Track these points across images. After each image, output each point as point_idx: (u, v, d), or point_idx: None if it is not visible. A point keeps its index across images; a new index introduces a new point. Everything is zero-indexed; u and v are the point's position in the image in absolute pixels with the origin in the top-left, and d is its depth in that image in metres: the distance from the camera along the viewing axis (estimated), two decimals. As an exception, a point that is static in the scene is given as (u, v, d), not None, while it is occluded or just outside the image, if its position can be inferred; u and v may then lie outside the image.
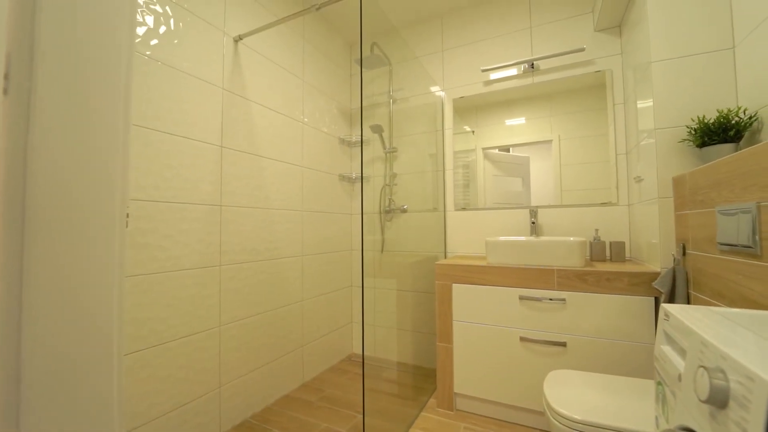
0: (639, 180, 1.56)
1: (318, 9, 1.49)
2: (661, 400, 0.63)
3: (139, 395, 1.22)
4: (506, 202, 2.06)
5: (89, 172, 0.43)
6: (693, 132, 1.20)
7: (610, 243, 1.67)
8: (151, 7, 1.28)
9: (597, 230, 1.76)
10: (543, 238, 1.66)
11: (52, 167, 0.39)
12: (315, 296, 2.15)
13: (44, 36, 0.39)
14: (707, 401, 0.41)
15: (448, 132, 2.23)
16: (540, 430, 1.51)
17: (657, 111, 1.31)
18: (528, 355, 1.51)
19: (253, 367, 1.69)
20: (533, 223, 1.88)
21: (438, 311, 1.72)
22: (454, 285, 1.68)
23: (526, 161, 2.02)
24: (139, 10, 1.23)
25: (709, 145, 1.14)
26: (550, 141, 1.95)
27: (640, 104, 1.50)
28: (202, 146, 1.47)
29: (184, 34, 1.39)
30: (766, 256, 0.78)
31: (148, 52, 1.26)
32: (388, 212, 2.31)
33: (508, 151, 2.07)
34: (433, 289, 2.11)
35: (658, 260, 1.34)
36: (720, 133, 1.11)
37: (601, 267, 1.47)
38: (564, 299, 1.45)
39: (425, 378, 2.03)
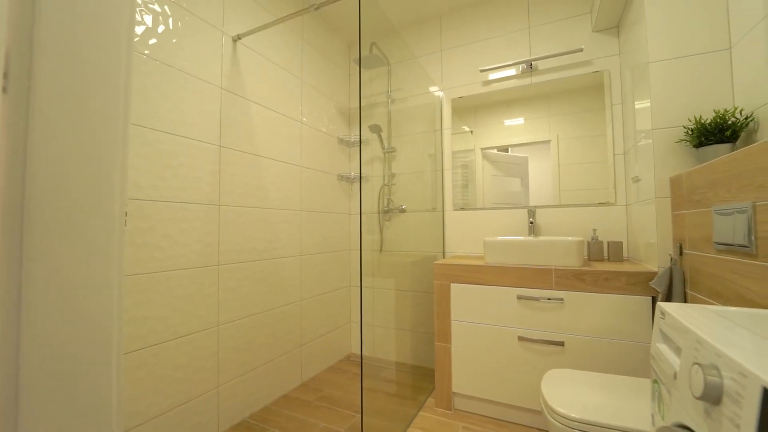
0: (636, 180, 1.57)
1: (317, 9, 1.50)
2: (657, 398, 0.63)
3: (137, 394, 1.22)
4: (505, 202, 2.06)
5: (88, 171, 0.43)
6: (690, 132, 1.20)
7: (608, 243, 1.68)
8: (150, 6, 1.28)
9: (595, 230, 1.76)
10: (541, 238, 1.67)
11: (51, 166, 0.39)
12: (313, 296, 2.15)
13: (43, 35, 0.40)
14: (701, 398, 0.41)
15: (447, 132, 2.23)
16: (538, 429, 1.51)
17: (654, 111, 1.32)
18: (526, 354, 1.52)
19: (252, 366, 1.69)
20: (531, 223, 1.88)
21: (436, 311, 1.73)
22: (452, 285, 1.69)
23: (525, 161, 2.03)
24: (137, 9, 1.23)
25: (706, 145, 1.15)
26: (548, 141, 1.95)
27: (638, 105, 1.51)
28: (201, 146, 1.47)
29: (182, 34, 1.39)
30: (761, 255, 0.79)
31: (146, 52, 1.26)
32: (387, 212, 2.31)
33: (506, 151, 2.08)
34: (431, 288, 2.12)
35: (655, 260, 1.34)
36: (716, 133, 1.11)
37: (598, 266, 1.47)
38: (562, 299, 1.46)
39: (424, 378, 2.04)
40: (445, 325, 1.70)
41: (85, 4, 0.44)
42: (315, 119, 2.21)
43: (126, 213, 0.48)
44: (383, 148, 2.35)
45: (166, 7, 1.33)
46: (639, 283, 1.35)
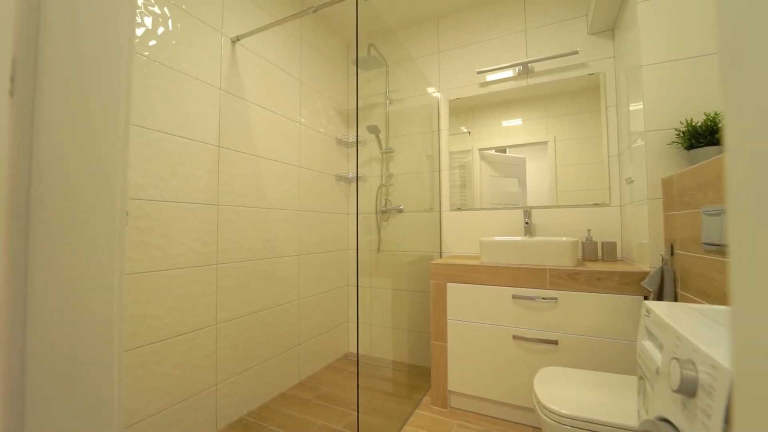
0: (630, 181, 1.59)
1: (315, 11, 1.51)
2: (642, 393, 0.65)
3: (136, 392, 1.23)
4: (503, 202, 2.08)
5: (91, 171, 0.44)
6: (681, 134, 1.22)
7: (602, 243, 1.70)
8: (150, 8, 1.29)
9: (589, 230, 1.78)
10: (536, 238, 1.69)
11: (55, 166, 0.41)
12: (311, 295, 2.17)
13: (48, 40, 0.41)
14: (678, 390, 0.43)
15: (444, 133, 2.25)
16: (531, 426, 1.53)
17: (647, 114, 1.34)
18: (520, 353, 1.54)
19: (250, 365, 1.71)
20: (527, 223, 1.90)
21: (433, 310, 1.74)
22: (448, 284, 1.71)
23: (522, 162, 2.05)
24: (137, 11, 1.25)
25: (697, 147, 1.17)
26: (545, 142, 1.97)
27: (632, 107, 1.53)
28: (200, 146, 1.48)
29: (182, 35, 1.41)
30: (747, 255, 0.80)
31: (146, 53, 1.28)
32: (385, 212, 2.33)
33: (504, 152, 2.10)
34: (428, 288, 2.14)
35: (647, 260, 1.36)
36: (707, 135, 1.13)
37: (592, 266, 1.49)
38: (556, 298, 1.48)
39: (420, 376, 2.05)
40: (441, 324, 1.72)
41: (86, 11, 0.45)
42: (313, 120, 2.22)
43: (127, 212, 0.50)
44: (381, 149, 2.37)
45: (165, 9, 1.35)
46: (631, 282, 1.37)
